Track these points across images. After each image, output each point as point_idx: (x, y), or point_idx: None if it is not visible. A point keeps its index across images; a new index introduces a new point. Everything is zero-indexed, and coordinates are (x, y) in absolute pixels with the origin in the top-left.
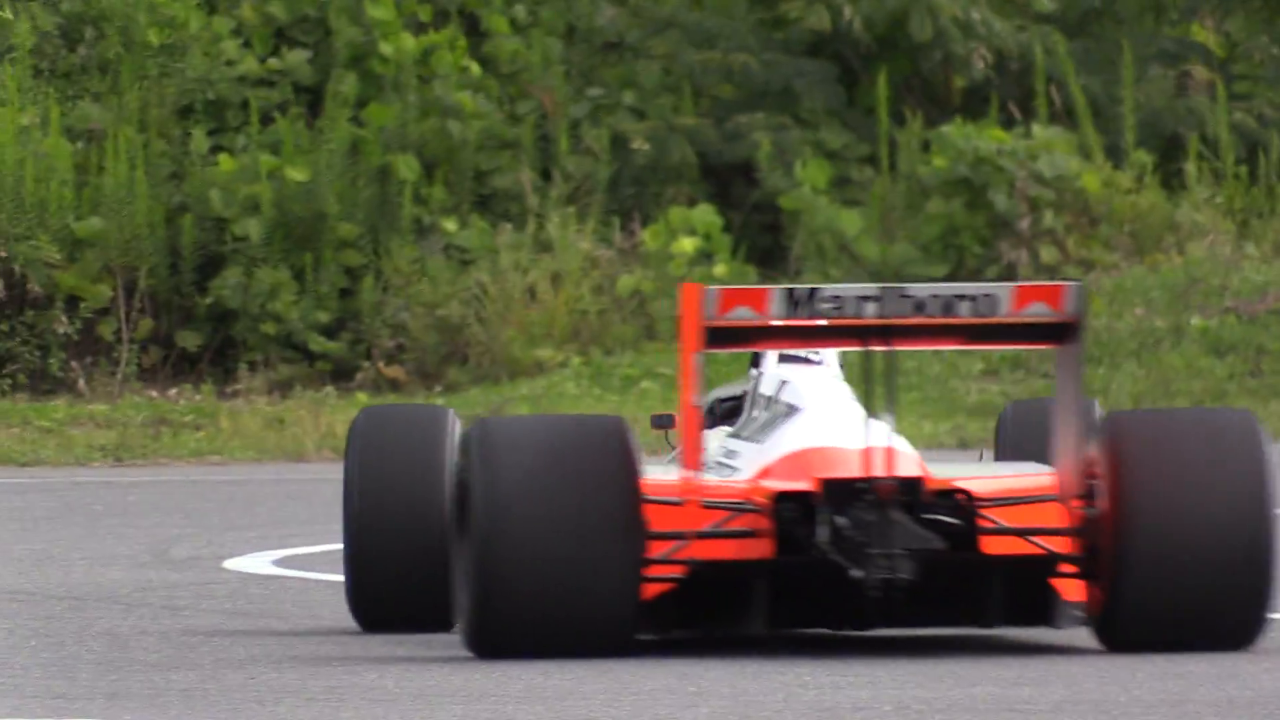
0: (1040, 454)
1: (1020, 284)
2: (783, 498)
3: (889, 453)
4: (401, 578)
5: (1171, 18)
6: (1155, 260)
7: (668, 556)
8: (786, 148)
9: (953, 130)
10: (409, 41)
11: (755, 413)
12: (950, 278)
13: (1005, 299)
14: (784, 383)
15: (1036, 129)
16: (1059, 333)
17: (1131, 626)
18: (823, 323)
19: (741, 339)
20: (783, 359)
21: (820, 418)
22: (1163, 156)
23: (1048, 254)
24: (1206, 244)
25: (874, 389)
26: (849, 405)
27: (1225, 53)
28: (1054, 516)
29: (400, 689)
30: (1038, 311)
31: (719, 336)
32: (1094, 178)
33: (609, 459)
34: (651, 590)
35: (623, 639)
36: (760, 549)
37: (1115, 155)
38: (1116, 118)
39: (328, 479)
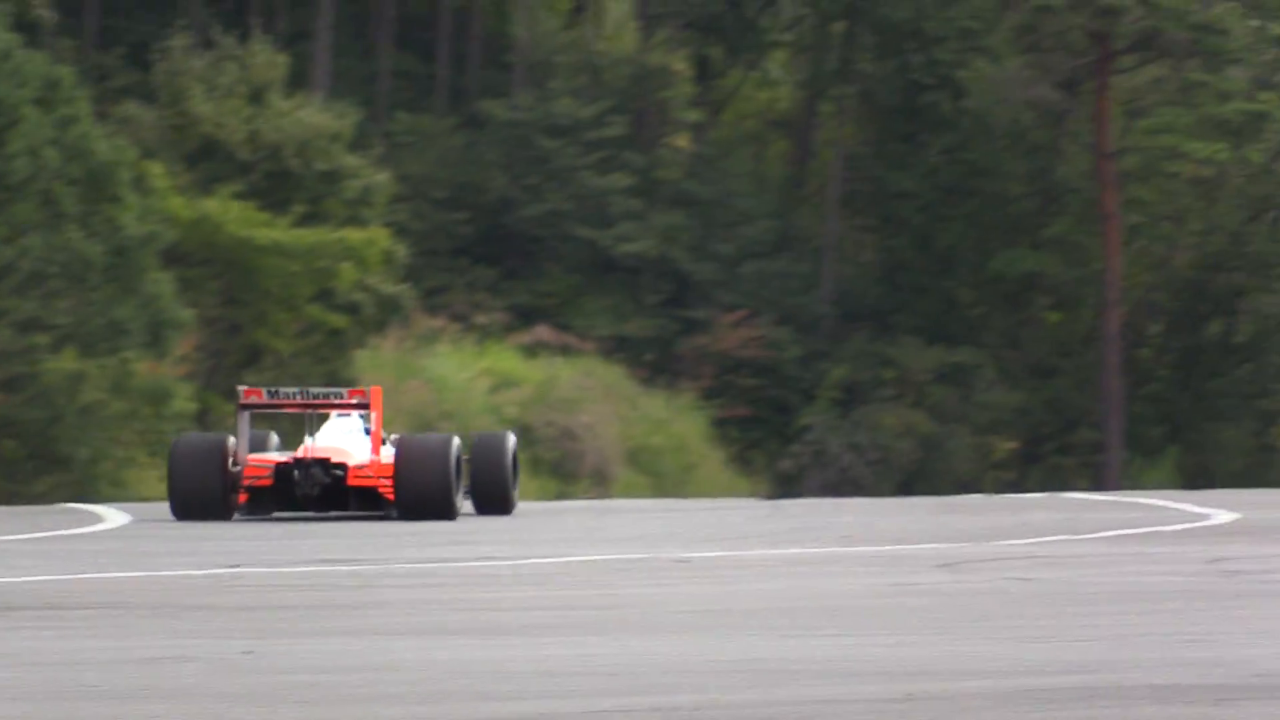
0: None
1: (351, 389)
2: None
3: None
4: None
5: None
6: None
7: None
8: None
9: None
10: None
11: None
12: None
13: (345, 395)
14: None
15: None
16: (365, 406)
17: (404, 509)
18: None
19: (257, 408)
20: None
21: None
22: None
23: None
24: None
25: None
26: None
27: None
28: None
29: None
30: (358, 400)
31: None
32: None
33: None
34: (242, 497)
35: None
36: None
37: None
38: None
39: None
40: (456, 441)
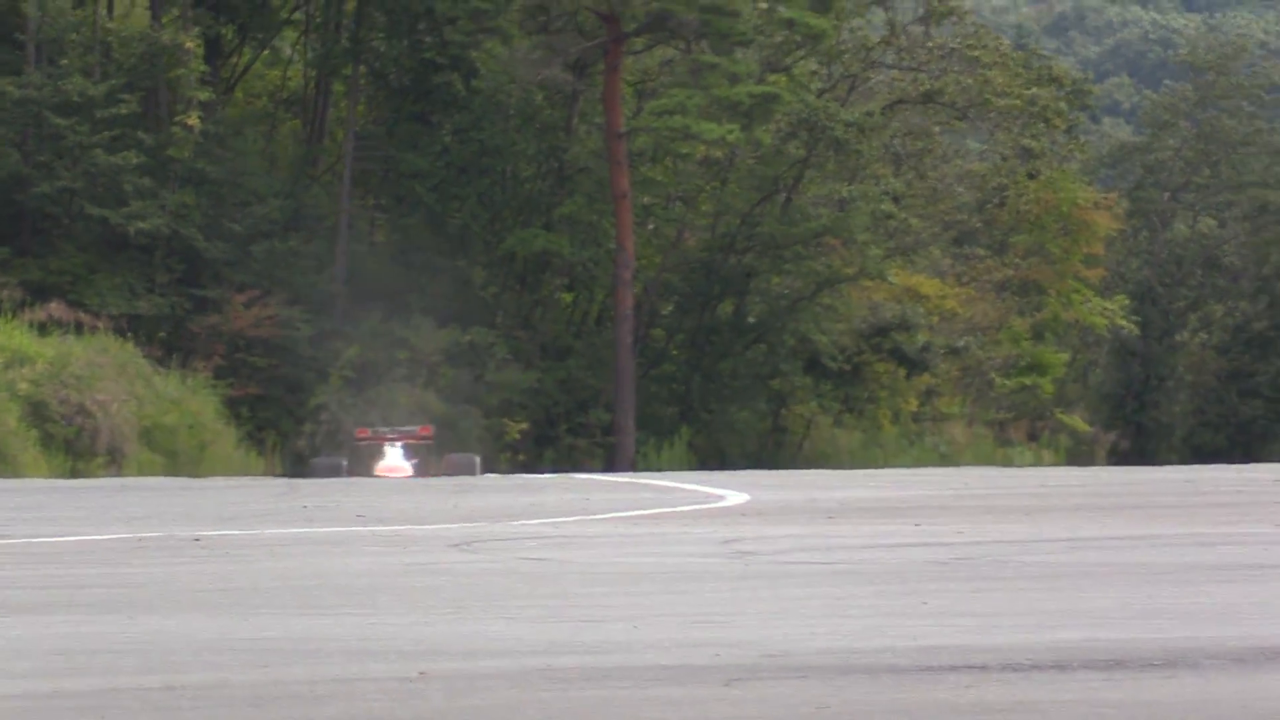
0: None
1: (421, 427)
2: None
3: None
4: None
5: None
6: None
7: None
8: None
9: None
10: None
11: None
12: None
13: (417, 430)
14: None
15: None
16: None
17: None
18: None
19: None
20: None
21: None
22: None
23: None
24: None
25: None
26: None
27: None
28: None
29: None
30: (425, 435)
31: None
32: None
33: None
34: None
35: None
36: None
37: None
38: None
39: None
40: (477, 458)
